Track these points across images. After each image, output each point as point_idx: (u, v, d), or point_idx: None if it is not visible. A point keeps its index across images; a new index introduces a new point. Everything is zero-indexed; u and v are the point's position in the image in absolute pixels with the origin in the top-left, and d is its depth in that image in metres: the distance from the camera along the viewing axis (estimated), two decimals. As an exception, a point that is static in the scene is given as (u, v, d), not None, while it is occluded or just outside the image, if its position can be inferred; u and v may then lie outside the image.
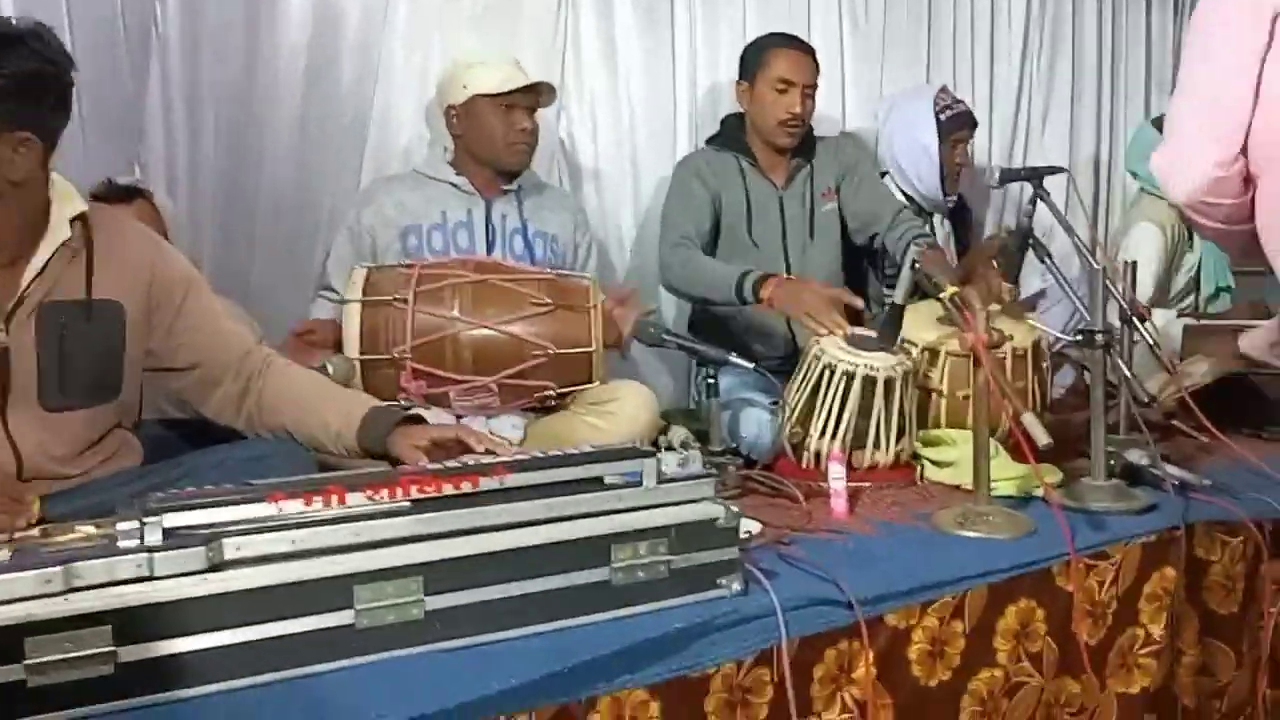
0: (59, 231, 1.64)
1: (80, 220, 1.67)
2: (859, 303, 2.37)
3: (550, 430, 2.24)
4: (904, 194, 3.10)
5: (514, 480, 1.39)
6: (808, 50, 2.84)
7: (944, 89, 3.21)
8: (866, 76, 3.44)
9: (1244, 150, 1.69)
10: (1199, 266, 3.40)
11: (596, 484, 1.44)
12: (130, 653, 1.15)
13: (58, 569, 1.14)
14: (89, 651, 1.13)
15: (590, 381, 2.23)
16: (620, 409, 2.24)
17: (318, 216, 2.69)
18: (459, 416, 2.16)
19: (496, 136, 2.48)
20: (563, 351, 2.17)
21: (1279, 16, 1.64)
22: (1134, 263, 2.57)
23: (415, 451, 1.69)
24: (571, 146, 3.02)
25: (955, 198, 3.19)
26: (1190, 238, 3.35)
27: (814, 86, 2.80)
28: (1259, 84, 1.66)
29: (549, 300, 2.19)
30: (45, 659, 1.11)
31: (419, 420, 1.82)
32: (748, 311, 2.67)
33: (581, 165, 3.04)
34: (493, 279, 2.22)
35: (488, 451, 1.67)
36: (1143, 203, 3.40)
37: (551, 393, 2.22)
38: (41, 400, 1.64)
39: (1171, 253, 3.33)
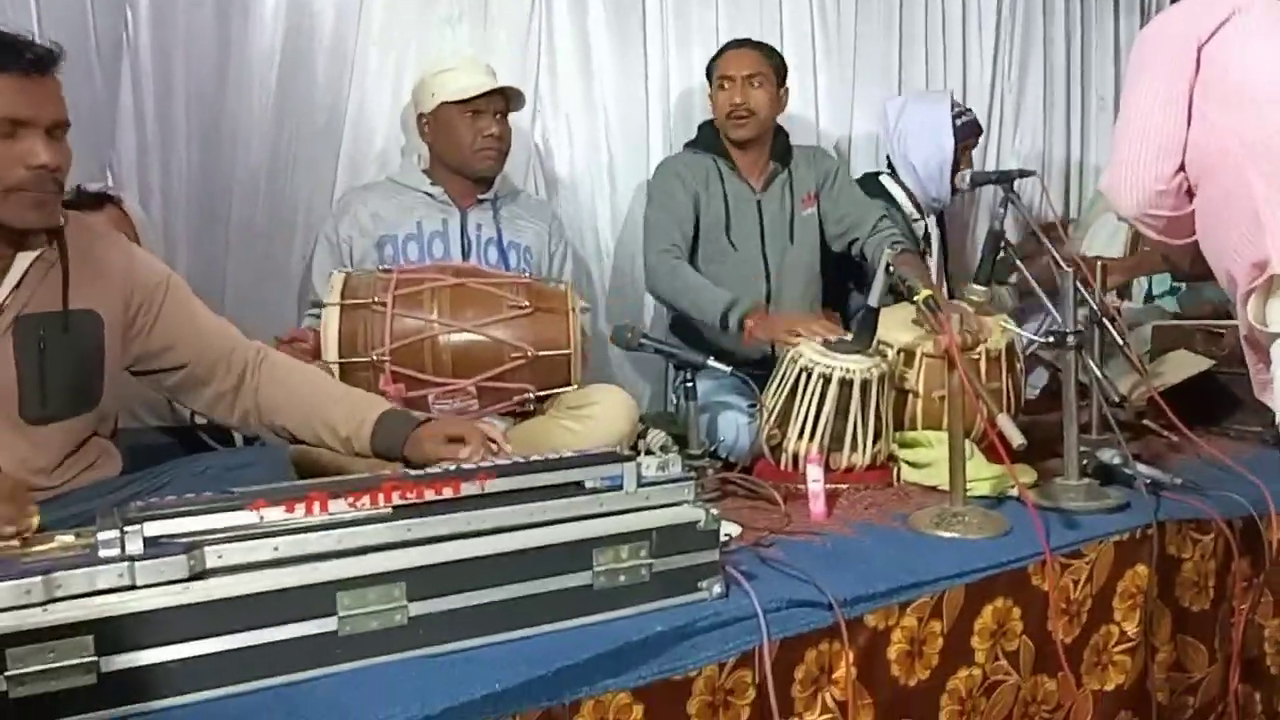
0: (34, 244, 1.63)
1: (55, 232, 1.66)
2: (837, 328, 2.39)
3: (528, 435, 2.24)
4: (905, 191, 3.15)
5: (495, 485, 1.40)
6: (747, 45, 2.86)
7: (953, 97, 3.27)
8: (839, 82, 3.46)
9: (1183, 166, 1.86)
10: None
11: (577, 488, 1.44)
12: (112, 663, 1.14)
13: (38, 579, 1.13)
14: (70, 662, 1.12)
15: (569, 384, 2.23)
16: (599, 413, 2.24)
17: (293, 219, 2.68)
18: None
19: (464, 143, 2.48)
20: (542, 354, 2.17)
21: (1203, 46, 1.83)
22: (1104, 263, 2.60)
23: (449, 447, 1.69)
24: (547, 153, 3.02)
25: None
26: None
27: (757, 74, 2.79)
28: (1190, 107, 1.84)
29: (527, 303, 2.20)
30: (26, 670, 1.10)
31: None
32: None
33: (557, 172, 3.04)
34: (471, 282, 2.22)
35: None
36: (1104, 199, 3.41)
37: (530, 395, 2.22)
38: (23, 413, 1.62)
39: (1133, 243, 3.35)
